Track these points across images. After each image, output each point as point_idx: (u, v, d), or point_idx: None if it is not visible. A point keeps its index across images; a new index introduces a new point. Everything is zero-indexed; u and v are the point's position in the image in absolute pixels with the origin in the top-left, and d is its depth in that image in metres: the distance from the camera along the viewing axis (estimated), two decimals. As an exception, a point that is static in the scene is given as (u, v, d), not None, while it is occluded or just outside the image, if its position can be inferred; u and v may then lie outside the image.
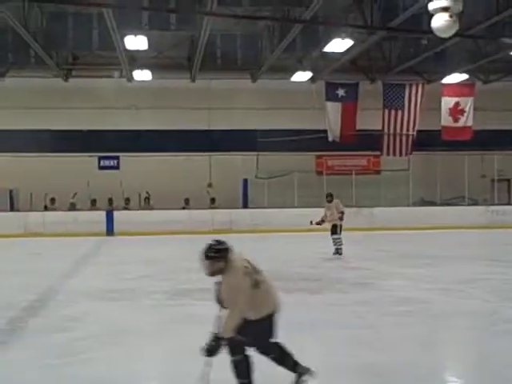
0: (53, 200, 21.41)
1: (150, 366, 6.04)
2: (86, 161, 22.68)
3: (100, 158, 23.35)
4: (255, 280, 4.64)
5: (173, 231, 19.53)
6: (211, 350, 4.48)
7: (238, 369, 4.67)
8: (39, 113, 22.25)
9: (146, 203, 21.94)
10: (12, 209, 21.57)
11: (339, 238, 14.32)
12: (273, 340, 4.77)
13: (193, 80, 22.44)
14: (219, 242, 4.77)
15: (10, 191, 21.76)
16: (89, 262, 14.04)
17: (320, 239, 15.21)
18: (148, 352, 6.35)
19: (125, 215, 20.48)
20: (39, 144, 22.13)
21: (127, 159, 22.96)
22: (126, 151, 22.78)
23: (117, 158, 23.33)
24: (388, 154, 23.52)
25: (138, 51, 17.99)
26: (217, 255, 4.65)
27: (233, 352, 4.64)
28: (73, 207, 21.53)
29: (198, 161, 22.85)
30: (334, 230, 14.37)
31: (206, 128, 23.20)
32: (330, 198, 14.67)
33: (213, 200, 22.14)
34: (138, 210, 21.45)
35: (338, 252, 14.28)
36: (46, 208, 21.28)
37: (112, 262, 13.91)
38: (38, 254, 15.28)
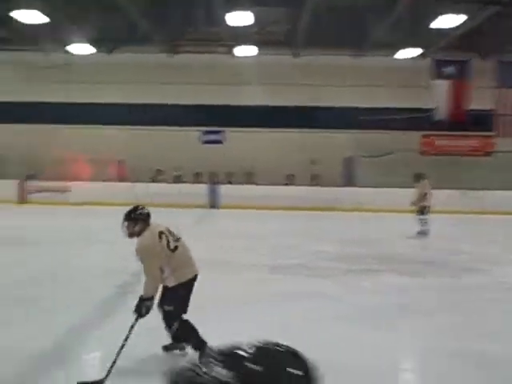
0: (159, 172, 22.12)
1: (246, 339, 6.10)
2: (191, 135, 23.22)
3: (204, 133, 23.82)
4: (170, 245, 5.00)
5: (275, 207, 19.63)
6: (139, 312, 4.78)
7: (182, 335, 4.98)
8: (146, 87, 22.95)
9: (249, 178, 22.19)
10: (121, 179, 22.44)
11: (425, 219, 14.11)
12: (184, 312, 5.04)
13: (296, 56, 22.28)
14: (140, 207, 5.16)
15: (119, 162, 22.65)
16: (192, 233, 14.31)
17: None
18: (245, 325, 6.42)
19: (228, 189, 20.77)
20: (147, 117, 22.92)
21: (231, 134, 23.30)
22: (230, 126, 23.12)
23: (221, 132, 23.71)
24: (504, 134, 22.35)
25: (242, 27, 17.99)
26: (135, 217, 5.06)
27: (169, 323, 4.95)
28: (178, 180, 22.13)
29: (302, 137, 22.79)
30: (421, 210, 14.16)
31: (309, 104, 23.02)
32: (416, 178, 14.49)
33: (315, 177, 22.06)
34: (241, 184, 21.70)
35: (423, 232, 14.06)
36: (152, 179, 22.00)
37: (214, 234, 14.17)
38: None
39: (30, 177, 21.24)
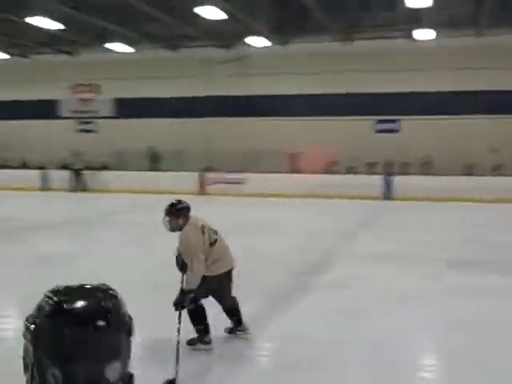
0: (334, 163, 22.05)
1: (425, 336, 5.85)
2: (364, 124, 22.92)
3: (378, 122, 23.37)
4: (211, 238, 5.25)
5: (454, 198, 18.66)
6: (177, 304, 4.88)
7: (192, 316, 5.23)
8: (321, 77, 22.92)
9: (426, 168, 21.32)
10: (294, 171, 22.66)
11: None
12: (231, 294, 5.44)
13: (479, 37, 20.82)
14: (180, 202, 5.35)
15: (295, 154, 22.82)
16: (366, 225, 14.14)
17: None
18: (425, 321, 6.15)
19: (403, 180, 20.07)
20: (321, 107, 23.06)
21: (407, 122, 22.61)
22: (405, 114, 22.44)
23: (396, 121, 23.11)
24: None
25: (421, 9, 17.24)
26: (177, 212, 5.24)
27: (187, 304, 5.04)
28: (351, 170, 21.88)
29: (482, 124, 21.42)
30: None
31: (493, 89, 21.48)
32: None
33: (498, 167, 20.64)
34: (417, 174, 20.90)
35: None
36: (325, 171, 21.96)
37: (389, 226, 13.82)
38: (319, 216, 15.86)
39: (207, 169, 22.26)
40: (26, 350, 1.24)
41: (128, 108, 25.65)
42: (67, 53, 24.55)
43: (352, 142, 21.80)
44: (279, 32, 20.95)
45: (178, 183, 20.87)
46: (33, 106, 26.35)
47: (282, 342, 5.55)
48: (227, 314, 5.53)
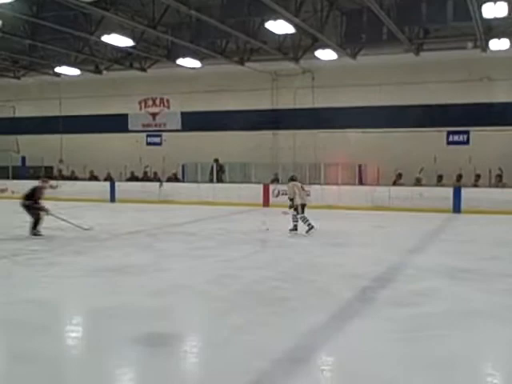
0: (399, 175, 21.60)
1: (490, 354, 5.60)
2: (434, 136, 22.43)
3: (448, 133, 22.80)
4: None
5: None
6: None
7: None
8: (389, 89, 22.74)
9: (498, 180, 20.62)
10: (360, 183, 22.45)
11: None
12: None
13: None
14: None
15: (359, 166, 22.67)
16: (435, 238, 13.79)
17: None
18: (496, 338, 5.91)
19: (474, 193, 19.50)
20: (386, 120, 22.80)
21: (477, 134, 22.00)
22: (477, 125, 21.84)
23: (466, 132, 22.52)
24: None
25: (495, 19, 16.74)
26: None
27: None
28: (418, 182, 21.36)
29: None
30: None
31: None
32: None
33: None
34: (488, 187, 20.26)
35: None
36: (393, 183, 21.55)
37: (459, 240, 13.42)
38: (383, 228, 15.59)
39: (273, 181, 22.35)
40: None
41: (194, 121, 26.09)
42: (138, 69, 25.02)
43: (422, 153, 21.39)
44: (349, 44, 20.63)
45: (243, 195, 21.08)
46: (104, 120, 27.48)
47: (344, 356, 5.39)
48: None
